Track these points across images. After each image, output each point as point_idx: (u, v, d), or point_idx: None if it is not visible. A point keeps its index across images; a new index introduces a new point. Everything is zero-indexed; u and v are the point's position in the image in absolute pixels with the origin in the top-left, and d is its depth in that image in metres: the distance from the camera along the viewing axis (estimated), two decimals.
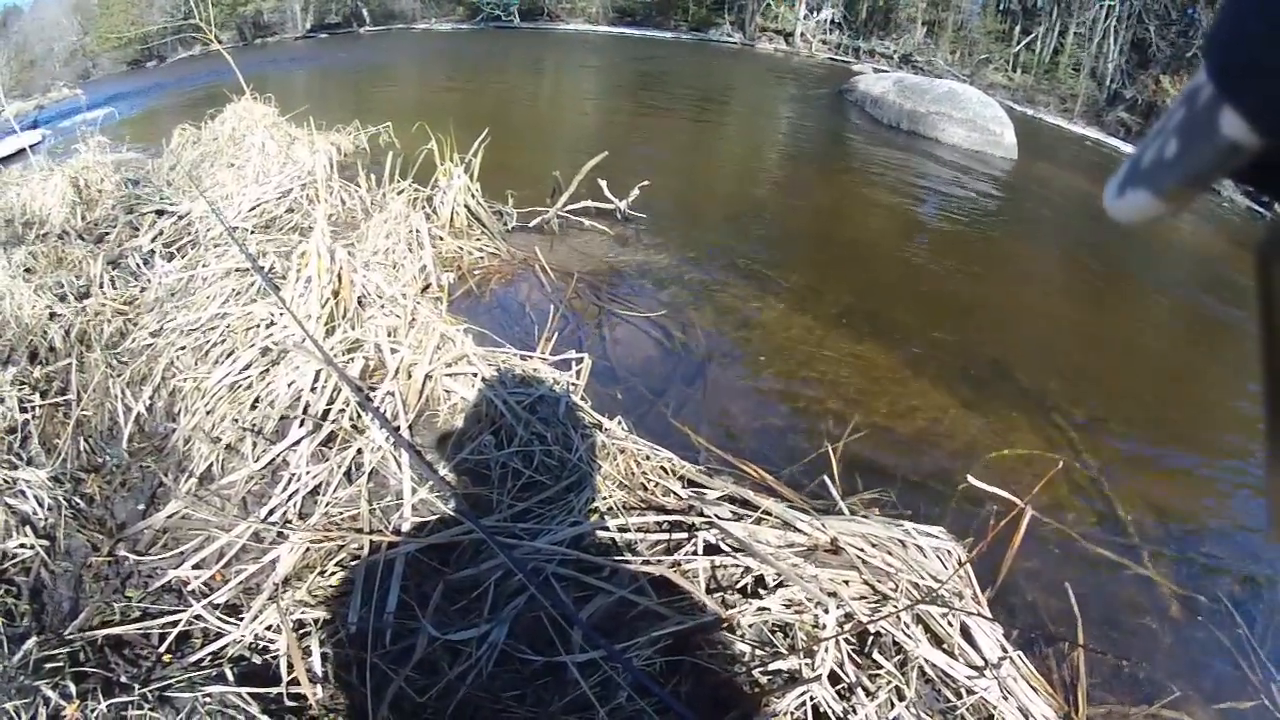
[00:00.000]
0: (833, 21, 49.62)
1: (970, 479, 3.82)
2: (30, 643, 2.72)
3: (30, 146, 14.47)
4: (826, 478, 3.67)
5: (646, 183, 7.49)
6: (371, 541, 2.85)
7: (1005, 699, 2.89)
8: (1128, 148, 38.38)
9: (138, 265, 5.89)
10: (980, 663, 2.95)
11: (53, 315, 5.07)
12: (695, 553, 2.77)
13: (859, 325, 6.54)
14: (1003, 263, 10.55)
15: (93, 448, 3.93)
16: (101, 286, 5.48)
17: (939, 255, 9.54)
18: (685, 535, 2.81)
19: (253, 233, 6.12)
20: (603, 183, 7.26)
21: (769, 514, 3.04)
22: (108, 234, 6.74)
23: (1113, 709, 3.81)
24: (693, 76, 27.04)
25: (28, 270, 5.73)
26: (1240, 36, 0.45)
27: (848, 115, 20.07)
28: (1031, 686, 3.12)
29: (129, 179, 8.40)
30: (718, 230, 8.01)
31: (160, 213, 6.94)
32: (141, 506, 3.54)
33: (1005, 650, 3.11)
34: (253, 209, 6.78)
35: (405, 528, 2.90)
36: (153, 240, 6.35)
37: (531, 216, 6.98)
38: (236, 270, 5.09)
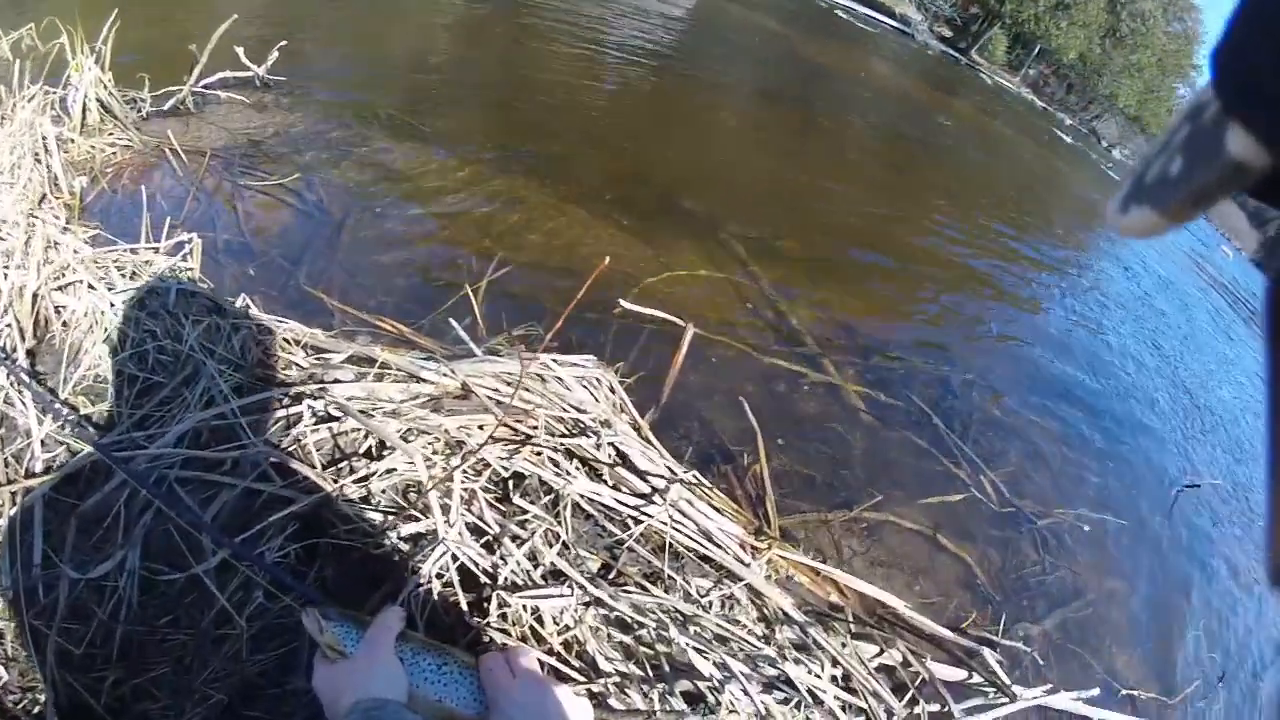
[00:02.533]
0: None
1: (623, 303, 3.99)
2: None
3: None
4: (455, 323, 3.74)
5: (284, 43, 7.15)
6: (10, 494, 2.76)
7: (679, 523, 3.04)
8: None
9: None
10: (646, 490, 3.08)
11: None
12: (309, 426, 2.80)
13: (514, 165, 6.59)
14: (681, 102, 10.77)
15: None
16: None
17: (612, 96, 9.78)
18: (300, 408, 2.83)
19: None
20: (239, 49, 6.90)
21: (389, 366, 3.11)
22: None
23: (807, 517, 4.01)
24: None
25: None
26: (1248, 55, 0.46)
27: None
28: (713, 506, 3.27)
29: None
30: (367, 88, 7.79)
31: None
32: None
33: (673, 472, 3.24)
34: None
35: (38, 468, 2.81)
36: None
37: (166, 99, 6.57)
38: None
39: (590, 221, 6.09)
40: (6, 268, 3.74)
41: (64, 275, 3.65)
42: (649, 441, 3.40)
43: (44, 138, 5.43)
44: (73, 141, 5.82)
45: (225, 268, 4.16)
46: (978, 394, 6.11)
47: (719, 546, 3.06)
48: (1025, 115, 32.46)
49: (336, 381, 2.94)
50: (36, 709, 2.29)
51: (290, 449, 2.70)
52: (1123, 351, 8.90)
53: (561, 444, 3.04)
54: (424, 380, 3.08)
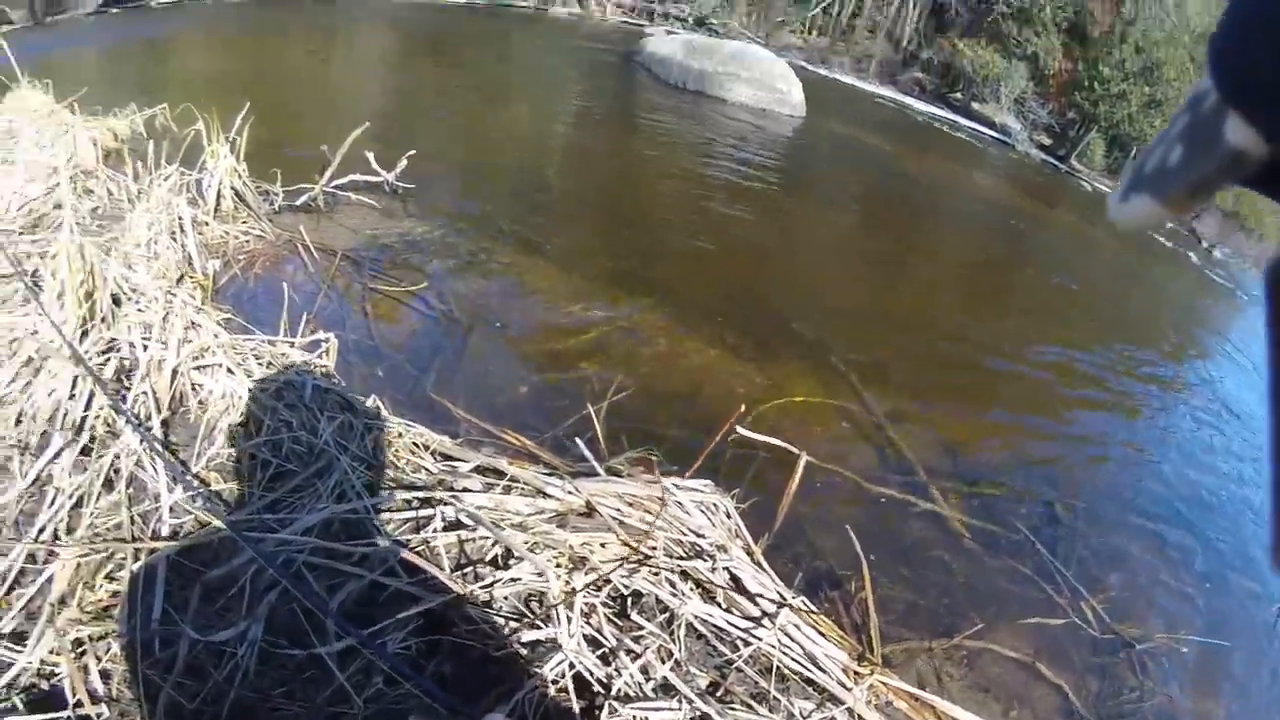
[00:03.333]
0: None
1: (739, 428, 4.05)
2: None
3: None
4: (579, 439, 3.84)
5: (413, 152, 7.48)
6: (135, 550, 2.90)
7: (786, 647, 3.09)
8: (922, 105, 39.25)
9: None
10: (756, 613, 3.14)
11: None
12: (439, 530, 2.92)
13: (632, 285, 6.75)
14: (786, 218, 10.88)
15: None
16: None
17: (722, 214, 9.82)
18: (433, 512, 2.94)
19: (21, 234, 5.85)
20: (370, 155, 7.24)
21: (517, 481, 3.22)
22: None
23: (910, 645, 4.00)
24: (481, 42, 26.57)
25: None
26: (1246, 46, 0.46)
27: (634, 77, 20.17)
28: (819, 631, 3.32)
29: None
30: (491, 200, 8.10)
31: None
32: None
33: (782, 598, 3.30)
34: (21, 208, 6.55)
35: (164, 531, 2.96)
36: None
37: (298, 194, 6.91)
38: (2, 277, 5.04)
39: (703, 345, 6.20)
40: (146, 340, 3.94)
41: (203, 356, 3.85)
42: (760, 566, 3.47)
43: (180, 218, 5.73)
44: (207, 225, 6.14)
45: (354, 367, 4.33)
46: (1081, 517, 5.99)
47: (823, 671, 3.10)
48: None
49: (466, 490, 3.07)
50: None
51: (418, 549, 2.80)
52: (1235, 465, 8.60)
53: (679, 566, 3.12)
54: (550, 496, 3.18)
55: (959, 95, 44.49)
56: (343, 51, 24.10)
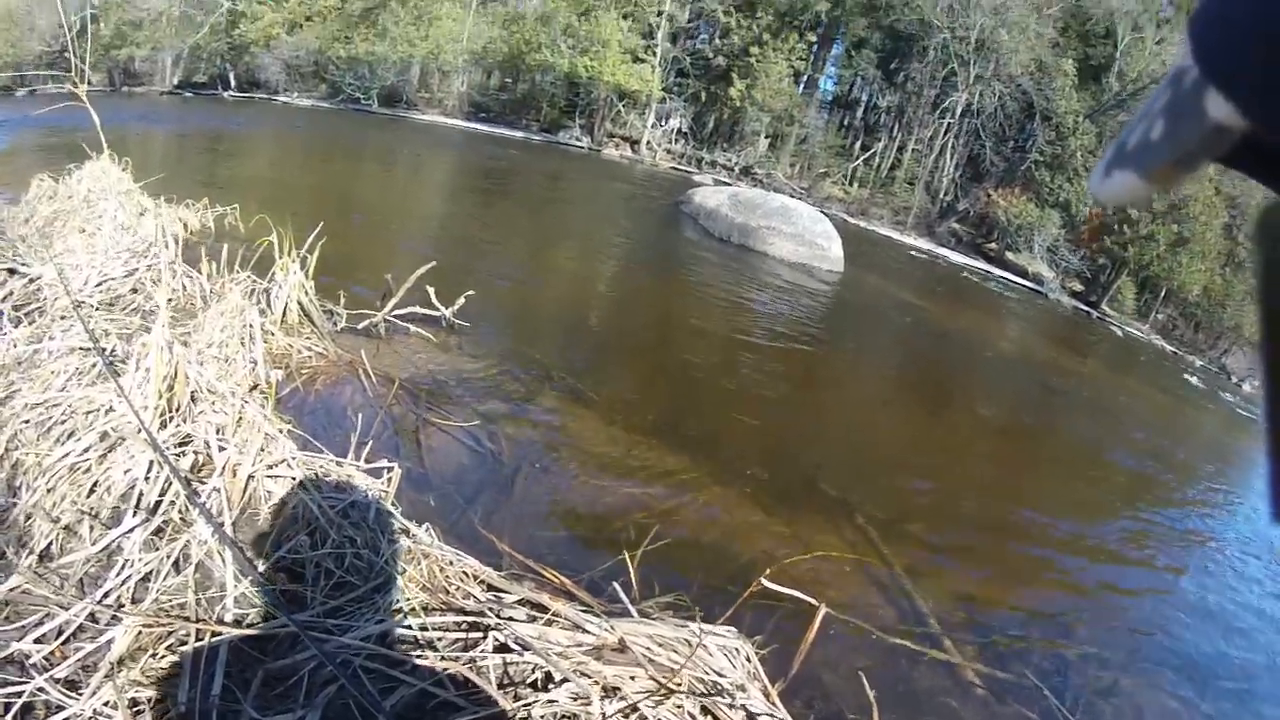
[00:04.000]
0: (679, 131, 50.91)
1: (764, 581, 4.32)
2: None
3: None
4: (617, 584, 4.14)
5: (471, 292, 7.97)
6: (198, 629, 3.18)
7: None
8: (958, 257, 39.88)
9: None
10: None
11: None
12: (488, 651, 3.21)
13: (669, 437, 7.09)
14: (819, 374, 11.25)
15: None
16: None
17: (757, 368, 10.22)
18: (481, 635, 3.24)
19: (97, 309, 6.28)
20: (431, 289, 7.68)
21: (559, 615, 3.53)
22: None
23: None
24: (537, 180, 27.57)
25: None
26: (1225, 21, 0.48)
27: (682, 228, 20.93)
28: None
29: None
30: (540, 342, 8.59)
31: (12, 271, 6.94)
32: None
33: None
34: (99, 284, 6.88)
35: (228, 618, 3.24)
36: (2, 300, 6.41)
37: (360, 318, 7.35)
38: (80, 349, 5.35)
39: (734, 498, 6.43)
40: (221, 442, 4.27)
41: (278, 466, 4.18)
42: (775, 705, 3.69)
43: (250, 324, 6.08)
44: (273, 335, 6.51)
45: (406, 492, 4.63)
46: (1092, 667, 6.01)
47: None
48: (1154, 363, 31.29)
49: (511, 620, 3.35)
50: None
51: (466, 665, 3.07)
52: (1255, 618, 8.59)
53: (701, 701, 3.37)
54: (587, 631, 3.47)
55: (994, 245, 45.49)
56: (406, 173, 25.01)
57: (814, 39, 50.90)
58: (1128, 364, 27.75)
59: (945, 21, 45.32)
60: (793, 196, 30.66)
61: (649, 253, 17.58)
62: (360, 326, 7.31)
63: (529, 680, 3.20)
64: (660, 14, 49.87)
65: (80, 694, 2.97)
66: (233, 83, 61.72)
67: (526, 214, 19.72)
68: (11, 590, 3.51)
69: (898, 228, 44.80)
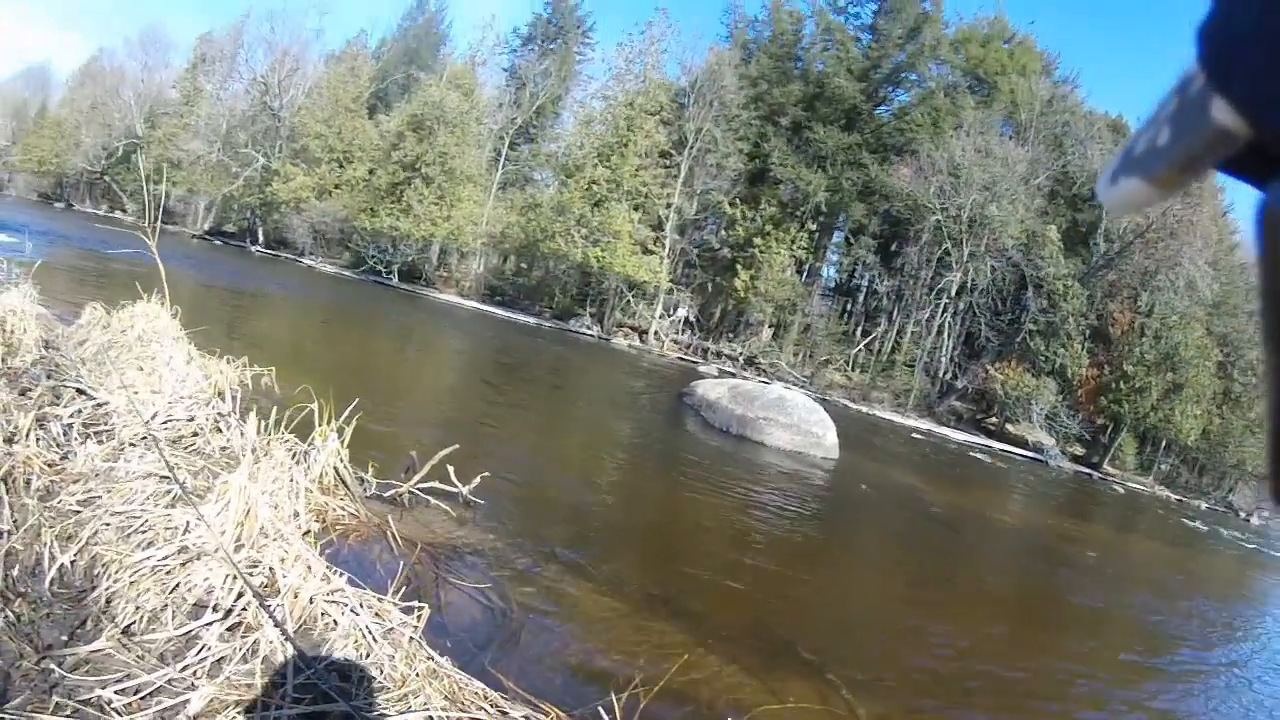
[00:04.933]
0: (686, 320, 52.58)
1: None
2: None
3: None
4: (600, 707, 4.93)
5: (487, 474, 8.92)
6: (263, 701, 4.02)
7: None
8: (958, 435, 40.42)
9: (61, 435, 6.78)
10: None
11: None
12: None
13: (658, 609, 7.80)
14: (809, 559, 11.75)
15: (16, 579, 4.75)
16: (28, 438, 6.27)
17: (747, 552, 10.88)
18: None
19: (159, 444, 7.00)
20: (450, 468, 8.59)
21: None
22: (29, 390, 7.52)
23: None
24: (548, 367, 28.77)
25: None
26: (1231, 29, 0.49)
27: (684, 419, 21.98)
28: None
29: (47, 340, 9.25)
30: (547, 521, 9.51)
31: (80, 392, 7.80)
32: (65, 637, 4.32)
33: None
34: (165, 422, 7.77)
35: (286, 705, 4.09)
36: (71, 416, 7.18)
37: (387, 487, 8.25)
38: (156, 475, 6.26)
39: (715, 660, 6.88)
40: (285, 572, 5.15)
41: (333, 594, 5.08)
42: None
43: (294, 480, 6.92)
44: (310, 492, 7.28)
45: (426, 636, 5.34)
46: None
47: None
48: (1159, 515, 30.19)
49: None
50: None
51: None
52: None
53: None
54: None
55: (994, 420, 46.21)
56: (426, 354, 26.28)
57: (815, 227, 53.39)
58: (1131, 519, 27.50)
59: (938, 203, 48.20)
60: (796, 385, 31.89)
61: (651, 442, 18.46)
62: (386, 495, 8.16)
63: None
64: (669, 206, 52.33)
65: None
66: (260, 238, 63.91)
67: (538, 401, 20.81)
68: (95, 651, 4.25)
69: (899, 410, 46.19)
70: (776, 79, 56.09)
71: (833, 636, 8.70)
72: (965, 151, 48.27)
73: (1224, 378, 45.65)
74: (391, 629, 4.94)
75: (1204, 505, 40.12)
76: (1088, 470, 42.32)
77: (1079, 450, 45.33)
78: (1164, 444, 45.17)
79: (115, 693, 3.89)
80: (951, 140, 49.25)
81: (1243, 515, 40.96)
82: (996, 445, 42.51)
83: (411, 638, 4.92)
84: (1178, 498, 40.93)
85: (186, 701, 3.94)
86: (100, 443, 6.82)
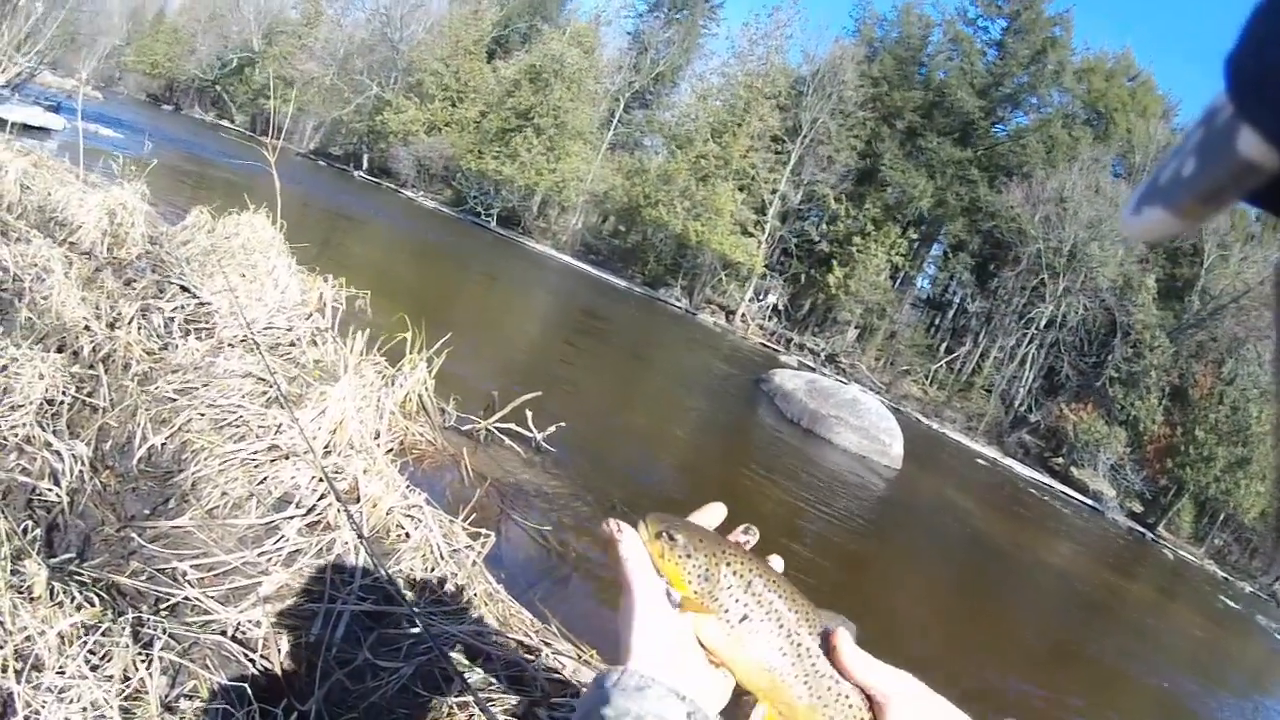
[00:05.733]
0: (775, 308, 52.33)
1: None
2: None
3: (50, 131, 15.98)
4: None
5: (563, 423, 9.12)
6: (331, 594, 4.25)
7: None
8: (1023, 469, 39.77)
9: (162, 327, 7.10)
10: None
11: (86, 327, 6.24)
12: (538, 668, 4.19)
13: None
14: (858, 565, 12.03)
15: (107, 453, 5.04)
16: (130, 325, 6.59)
17: (798, 550, 11.02)
18: (532, 656, 4.25)
19: (260, 347, 7.25)
20: (529, 413, 8.82)
21: (592, 660, 4.57)
22: (134, 281, 7.89)
23: None
24: (635, 331, 28.84)
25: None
26: (1260, 60, 0.47)
27: (758, 404, 22.30)
28: None
29: (152, 237, 9.65)
30: (610, 480, 9.73)
31: (184, 289, 8.12)
32: (148, 511, 4.62)
33: None
34: (265, 329, 8.06)
35: (352, 597, 4.32)
36: (174, 310, 7.50)
37: (465, 421, 8.48)
38: (252, 376, 6.54)
39: None
40: (367, 481, 5.38)
41: (410, 509, 5.32)
42: None
43: (380, 401, 7.16)
44: (394, 415, 7.52)
45: (487, 567, 5.58)
46: None
47: None
48: (1202, 589, 29.63)
49: (557, 653, 4.43)
50: None
51: (519, 670, 4.15)
52: None
53: None
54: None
55: (1060, 460, 45.42)
56: (518, 299, 26.36)
57: (915, 236, 53.06)
58: (1174, 589, 26.87)
59: (1040, 232, 47.28)
60: (872, 390, 31.47)
61: (722, 420, 18.80)
62: (464, 428, 8.39)
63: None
64: (774, 192, 52.09)
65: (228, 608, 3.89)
66: (365, 164, 64.43)
67: (620, 362, 21.41)
68: (176, 527, 4.50)
69: (968, 433, 45.51)
70: (898, 81, 55.51)
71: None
72: (1075, 184, 47.50)
73: None
74: (457, 550, 5.17)
75: (1248, 588, 38.90)
76: (1142, 529, 41.18)
77: (1137, 507, 44.10)
78: (1221, 518, 43.90)
79: (191, 566, 4.14)
80: (1063, 170, 48.51)
81: None
82: (1058, 486, 41.41)
83: (475, 561, 5.17)
84: (1225, 575, 39.50)
85: (259, 584, 4.17)
86: (200, 339, 7.11)
